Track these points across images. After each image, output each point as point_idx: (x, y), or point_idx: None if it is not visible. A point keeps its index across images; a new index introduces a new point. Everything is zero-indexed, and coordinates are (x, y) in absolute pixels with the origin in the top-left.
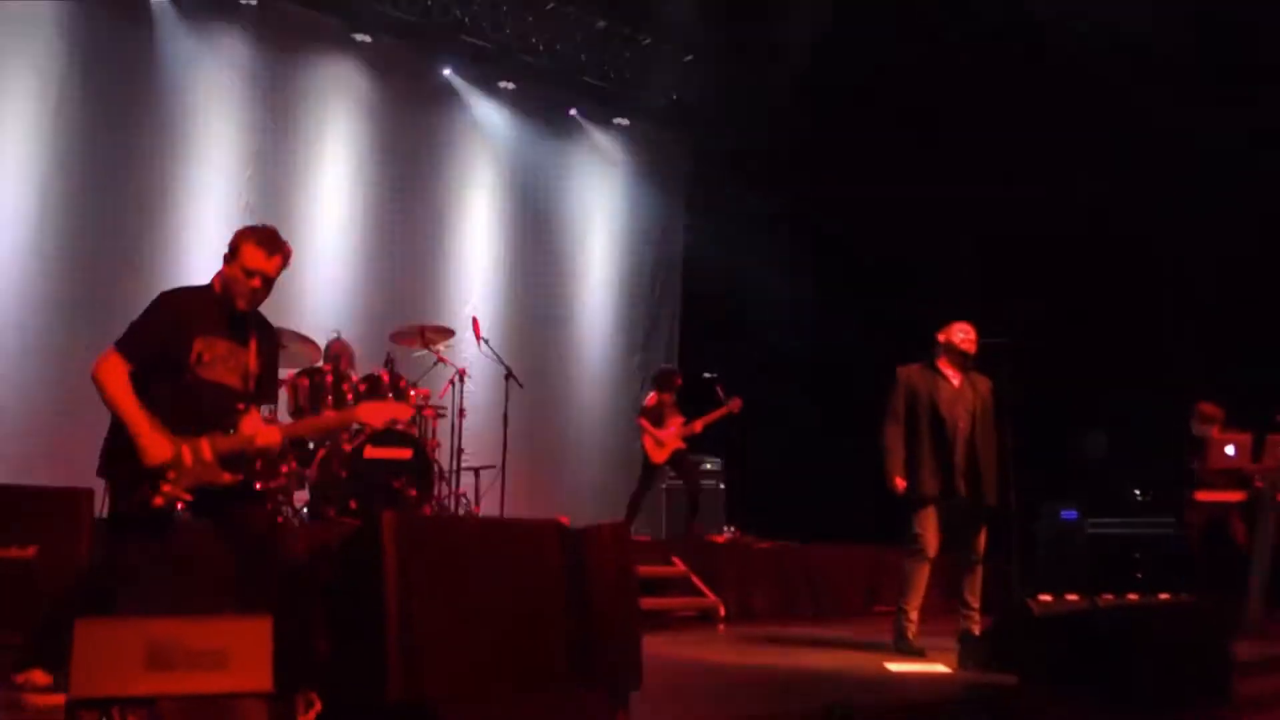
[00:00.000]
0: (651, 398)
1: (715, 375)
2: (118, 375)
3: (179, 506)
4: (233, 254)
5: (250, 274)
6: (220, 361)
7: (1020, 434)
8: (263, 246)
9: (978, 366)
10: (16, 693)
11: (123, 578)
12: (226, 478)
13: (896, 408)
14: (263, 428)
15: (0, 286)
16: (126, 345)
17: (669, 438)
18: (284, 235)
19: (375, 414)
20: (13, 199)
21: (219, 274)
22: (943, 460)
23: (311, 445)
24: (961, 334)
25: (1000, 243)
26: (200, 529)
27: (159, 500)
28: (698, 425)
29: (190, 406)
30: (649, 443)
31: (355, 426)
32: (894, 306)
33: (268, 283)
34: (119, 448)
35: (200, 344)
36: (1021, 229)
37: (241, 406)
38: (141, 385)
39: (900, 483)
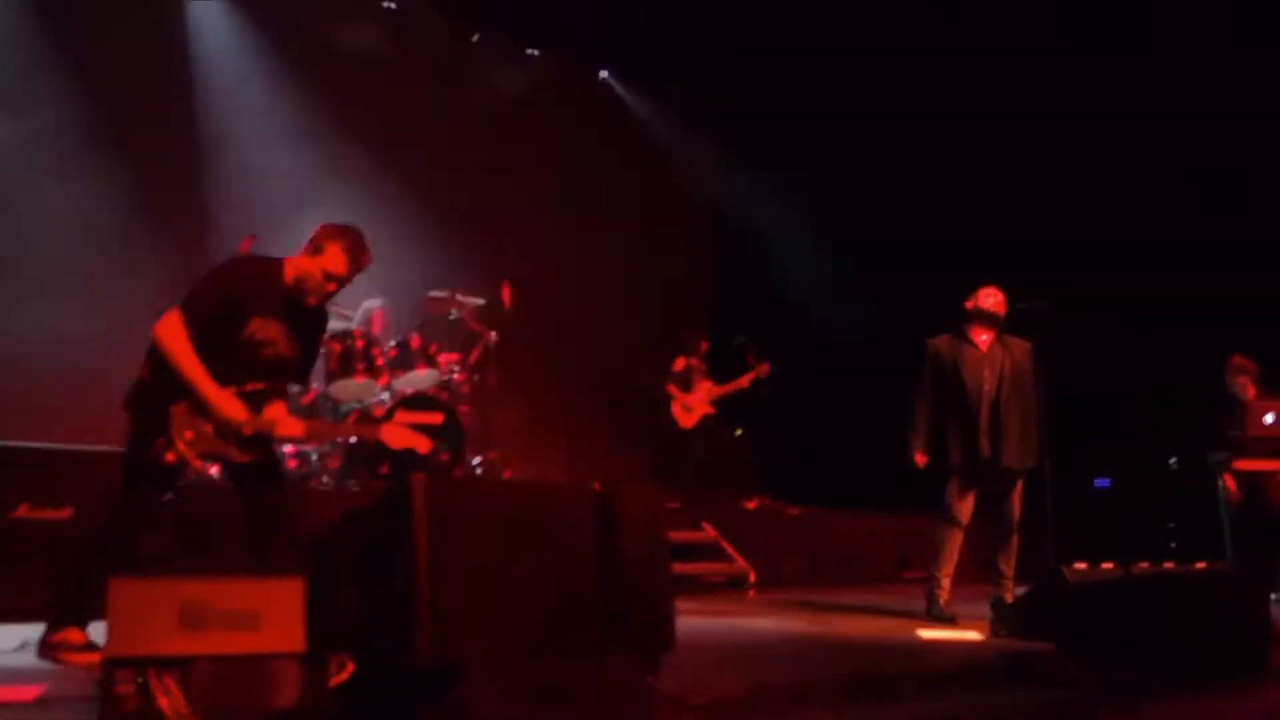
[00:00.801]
0: (679, 362)
1: (746, 339)
2: (182, 338)
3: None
4: (315, 250)
5: (330, 278)
6: (270, 344)
7: (1054, 400)
8: (348, 255)
9: (1015, 330)
10: (53, 651)
11: (139, 522)
12: (240, 456)
13: (922, 382)
14: (286, 418)
15: (34, 249)
16: (189, 308)
17: (696, 402)
18: (313, 201)
19: (397, 438)
20: (42, 168)
21: (295, 262)
22: (967, 427)
23: (344, 410)
24: (990, 298)
25: (1039, 204)
26: (227, 493)
27: (171, 456)
28: (725, 389)
29: (229, 378)
30: (676, 408)
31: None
32: (930, 271)
33: (341, 288)
34: (149, 394)
35: (257, 323)
36: (1061, 191)
37: (275, 386)
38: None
39: (920, 458)
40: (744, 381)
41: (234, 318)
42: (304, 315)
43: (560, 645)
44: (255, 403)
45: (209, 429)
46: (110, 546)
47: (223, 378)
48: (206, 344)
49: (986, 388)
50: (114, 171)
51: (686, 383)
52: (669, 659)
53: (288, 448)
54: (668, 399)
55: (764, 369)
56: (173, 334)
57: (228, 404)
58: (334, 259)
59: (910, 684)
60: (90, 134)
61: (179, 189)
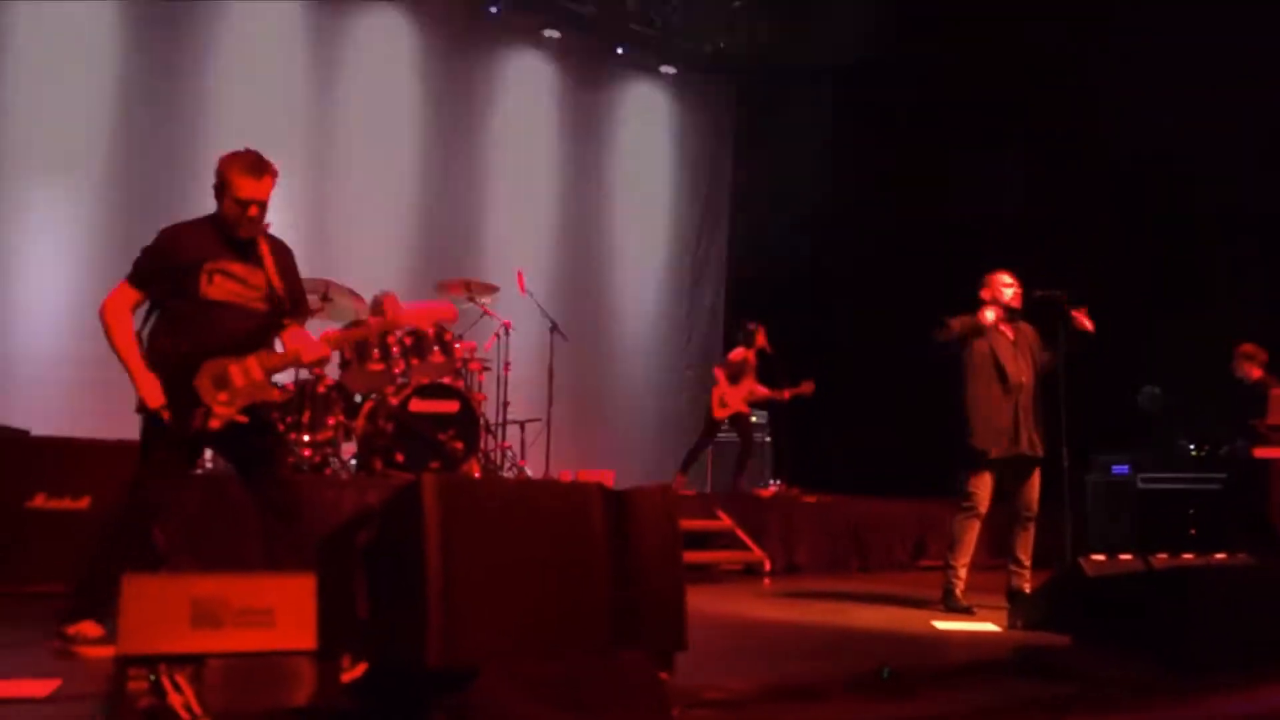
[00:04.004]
0: (737, 353)
1: (755, 324)
2: (122, 316)
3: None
4: (222, 187)
5: (245, 204)
6: (238, 282)
7: (1072, 386)
8: (250, 173)
9: (1027, 316)
10: (68, 644)
11: (157, 511)
12: (277, 394)
13: (964, 359)
14: (309, 342)
15: (47, 243)
16: (134, 275)
17: (735, 400)
18: (327, 190)
19: (419, 317)
20: (56, 155)
21: (216, 212)
22: (1010, 417)
23: (359, 399)
24: (1007, 290)
25: (1052, 191)
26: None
27: (215, 423)
28: (765, 394)
29: (215, 326)
30: (716, 396)
31: (400, 331)
32: (943, 256)
33: (263, 207)
34: (165, 380)
35: (210, 266)
36: (1072, 178)
37: (286, 321)
38: (163, 311)
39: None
40: (785, 394)
41: (183, 270)
42: (257, 248)
43: (571, 646)
44: (264, 340)
45: (240, 381)
46: (128, 536)
47: (214, 329)
48: (178, 302)
49: (1025, 379)
50: (113, 162)
51: (737, 376)
52: (682, 653)
53: (305, 435)
54: (712, 384)
55: (809, 388)
56: (113, 310)
57: (148, 386)
58: (241, 185)
59: (930, 678)
60: (91, 125)
61: (179, 181)
